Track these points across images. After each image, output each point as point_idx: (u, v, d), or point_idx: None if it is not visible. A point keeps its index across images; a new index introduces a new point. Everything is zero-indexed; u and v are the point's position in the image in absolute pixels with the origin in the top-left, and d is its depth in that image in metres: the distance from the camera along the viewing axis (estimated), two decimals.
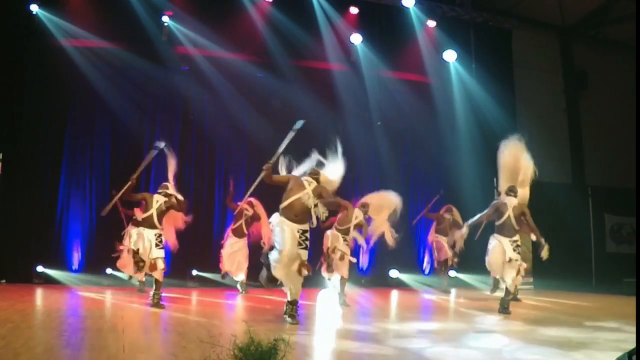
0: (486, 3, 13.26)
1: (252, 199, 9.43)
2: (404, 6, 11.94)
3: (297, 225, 5.87)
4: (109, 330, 5.26)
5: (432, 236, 10.91)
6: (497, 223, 7.43)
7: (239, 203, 9.36)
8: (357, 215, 8.26)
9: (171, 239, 7.83)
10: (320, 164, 6.34)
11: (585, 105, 14.34)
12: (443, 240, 10.61)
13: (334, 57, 11.82)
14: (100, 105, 10.37)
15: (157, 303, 7.02)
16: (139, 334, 5.26)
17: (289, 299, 6.00)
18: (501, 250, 7.27)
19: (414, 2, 11.88)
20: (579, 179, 14.09)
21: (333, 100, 11.68)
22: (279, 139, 6.20)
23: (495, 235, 7.43)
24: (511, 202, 7.38)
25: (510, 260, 7.19)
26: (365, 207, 8.45)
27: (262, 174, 6.05)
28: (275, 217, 6.00)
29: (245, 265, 9.42)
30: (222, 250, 9.45)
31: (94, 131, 10.63)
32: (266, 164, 5.99)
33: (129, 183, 7.41)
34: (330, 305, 8.04)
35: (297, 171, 6.29)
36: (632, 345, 3.84)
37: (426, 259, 12.51)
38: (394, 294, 10.58)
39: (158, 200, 7.27)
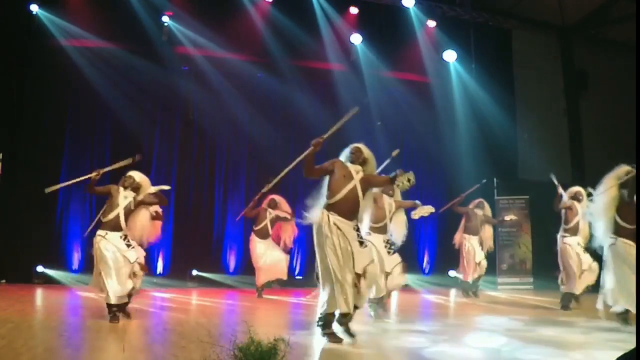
0: (486, 3, 13.24)
1: (275, 197, 9.18)
2: (403, 6, 11.92)
3: (352, 223, 4.89)
4: (109, 330, 5.26)
5: (460, 236, 9.42)
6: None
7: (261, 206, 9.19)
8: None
9: (146, 235, 6.29)
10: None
11: (585, 105, 14.31)
12: (474, 244, 9.26)
13: (334, 57, 11.81)
14: (100, 105, 10.37)
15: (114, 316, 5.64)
16: (139, 334, 5.25)
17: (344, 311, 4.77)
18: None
19: (414, 2, 11.87)
20: (579, 179, 14.06)
21: (333, 100, 11.66)
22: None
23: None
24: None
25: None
26: None
27: (309, 150, 4.88)
28: (322, 214, 4.82)
29: (285, 261, 9.08)
30: (258, 264, 9.00)
31: (94, 131, 10.63)
32: (316, 139, 4.86)
33: (92, 175, 6.10)
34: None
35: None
36: (632, 345, 3.84)
37: (426, 258, 12.50)
38: (394, 294, 10.55)
39: (126, 196, 5.96)
